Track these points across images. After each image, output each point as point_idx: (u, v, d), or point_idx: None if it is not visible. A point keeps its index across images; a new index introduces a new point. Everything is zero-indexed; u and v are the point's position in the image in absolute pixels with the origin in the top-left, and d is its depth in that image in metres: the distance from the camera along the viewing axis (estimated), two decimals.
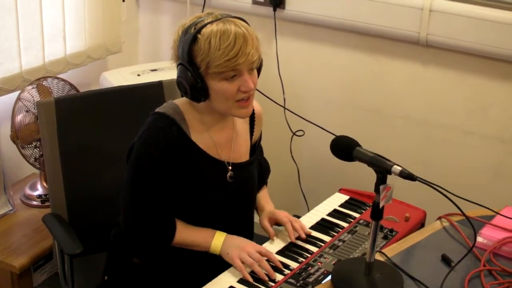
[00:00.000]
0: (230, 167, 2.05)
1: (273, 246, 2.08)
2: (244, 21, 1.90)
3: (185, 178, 1.97)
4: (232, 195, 2.07)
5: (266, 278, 1.90)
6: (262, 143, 2.29)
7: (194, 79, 1.85)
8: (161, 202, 1.97)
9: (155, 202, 1.97)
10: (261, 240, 2.11)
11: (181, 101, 2.02)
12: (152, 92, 2.49)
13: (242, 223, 2.15)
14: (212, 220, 2.05)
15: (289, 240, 2.11)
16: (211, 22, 1.84)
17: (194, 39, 1.84)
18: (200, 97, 1.90)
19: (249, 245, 1.98)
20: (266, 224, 2.16)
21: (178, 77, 1.91)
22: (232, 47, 1.81)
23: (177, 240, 2.00)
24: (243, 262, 1.93)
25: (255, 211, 2.26)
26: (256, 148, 2.20)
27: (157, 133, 1.92)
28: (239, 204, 2.12)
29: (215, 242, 1.99)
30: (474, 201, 2.03)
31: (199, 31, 1.83)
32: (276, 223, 2.19)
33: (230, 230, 2.06)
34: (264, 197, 2.28)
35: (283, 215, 2.16)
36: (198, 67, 1.85)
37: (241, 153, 2.10)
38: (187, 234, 2.01)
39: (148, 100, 2.43)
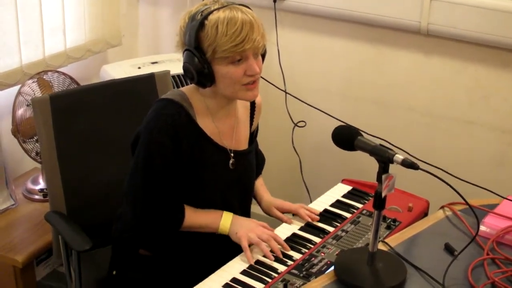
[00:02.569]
0: (232, 155, 2.06)
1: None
2: (249, 8, 1.92)
3: (189, 163, 1.98)
4: (233, 183, 2.09)
5: (272, 258, 1.94)
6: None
7: (201, 64, 1.88)
8: (171, 188, 1.98)
9: (165, 188, 1.98)
10: None
11: (186, 89, 2.04)
12: (145, 85, 2.50)
13: (240, 210, 2.16)
14: (211, 205, 2.06)
15: (292, 231, 2.12)
16: (217, 9, 1.87)
17: (201, 25, 1.86)
18: (206, 82, 1.92)
19: (257, 227, 2.03)
20: (277, 213, 2.22)
21: (184, 62, 1.92)
22: (239, 33, 1.84)
23: (186, 224, 2.02)
24: (250, 244, 1.97)
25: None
26: (254, 138, 2.21)
27: (166, 119, 1.93)
28: (239, 191, 2.14)
29: (223, 223, 2.02)
30: (476, 191, 2.02)
31: (206, 17, 1.86)
32: (284, 212, 2.23)
33: None
34: (262, 186, 2.33)
35: (291, 205, 2.23)
36: (205, 53, 1.87)
37: (241, 141, 2.13)
38: (195, 217, 2.03)
39: (141, 93, 2.44)
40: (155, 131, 1.93)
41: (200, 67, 1.88)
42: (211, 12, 1.86)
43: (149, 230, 2.05)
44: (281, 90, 3.23)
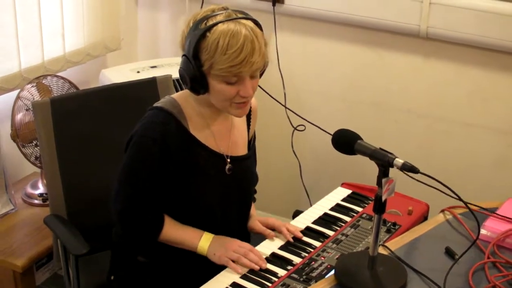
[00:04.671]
0: (228, 160, 2.04)
1: (275, 242, 2.08)
2: (258, 24, 1.88)
3: (184, 171, 1.97)
4: (230, 188, 2.07)
5: (257, 267, 1.92)
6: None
7: (196, 75, 1.86)
8: (152, 196, 1.97)
9: (146, 196, 1.97)
10: (259, 239, 2.10)
11: (179, 95, 2.02)
12: (147, 89, 2.49)
13: (238, 217, 2.15)
14: (211, 214, 2.05)
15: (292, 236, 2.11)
16: (222, 22, 1.82)
17: (203, 36, 1.82)
18: (199, 90, 1.90)
19: (234, 243, 2.00)
20: (261, 227, 2.17)
21: (181, 67, 1.90)
22: (238, 54, 1.80)
23: (164, 236, 2.01)
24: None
25: None
26: (252, 143, 2.20)
27: (155, 127, 1.92)
28: (237, 197, 2.12)
29: (201, 244, 2.00)
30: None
31: (209, 29, 1.81)
32: (268, 227, 2.19)
33: (227, 223, 2.07)
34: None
35: (274, 220, 2.17)
36: (202, 65, 1.84)
37: (239, 146, 2.11)
38: (174, 232, 2.02)
39: (142, 97, 2.43)
40: (144, 139, 1.92)
41: (195, 77, 1.86)
42: (216, 24, 1.82)
43: (127, 235, 2.04)
44: (281, 104, 3.23)
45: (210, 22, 1.83)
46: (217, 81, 1.86)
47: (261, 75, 1.97)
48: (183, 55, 1.89)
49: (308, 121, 2.78)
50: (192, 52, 1.84)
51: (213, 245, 2.00)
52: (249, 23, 1.85)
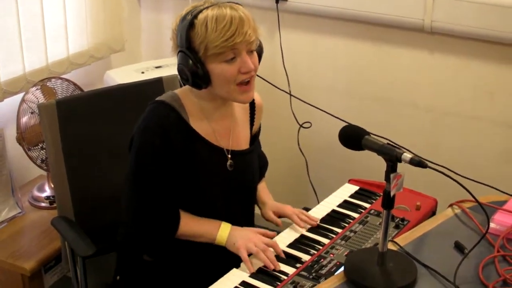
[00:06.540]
0: (229, 155, 2.04)
1: (284, 239, 2.07)
2: (240, 5, 1.92)
3: (184, 165, 1.96)
4: (232, 183, 2.07)
5: (272, 266, 1.90)
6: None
7: (194, 65, 1.87)
8: (164, 191, 1.97)
9: (158, 191, 1.96)
10: None
11: (180, 90, 2.04)
12: (153, 89, 2.49)
13: (242, 212, 2.15)
14: (212, 208, 2.05)
15: (300, 233, 2.10)
16: (206, 8, 1.88)
17: (191, 24, 1.86)
18: (201, 83, 1.91)
19: (256, 236, 1.99)
20: (272, 215, 2.19)
21: (179, 64, 1.92)
22: (229, 27, 1.84)
23: (181, 231, 2.00)
24: (249, 254, 1.93)
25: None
26: (256, 139, 2.20)
27: (156, 120, 1.93)
28: (239, 192, 2.12)
29: (220, 233, 1.99)
30: (484, 188, 2.01)
31: (195, 16, 1.87)
32: (281, 216, 2.20)
33: (230, 219, 2.06)
34: (263, 189, 2.29)
35: (288, 209, 2.19)
36: (197, 52, 1.87)
37: (240, 142, 2.11)
38: (192, 225, 2.01)
39: (149, 97, 2.41)
40: (145, 132, 1.93)
41: (193, 67, 1.88)
42: (200, 11, 1.87)
43: (143, 235, 2.03)
44: (286, 92, 3.22)
45: (195, 12, 1.88)
46: (215, 63, 1.87)
47: (260, 59, 1.98)
48: (178, 52, 1.92)
49: (319, 108, 2.76)
50: (185, 43, 1.88)
51: (233, 235, 1.99)
52: (233, 5, 1.90)
